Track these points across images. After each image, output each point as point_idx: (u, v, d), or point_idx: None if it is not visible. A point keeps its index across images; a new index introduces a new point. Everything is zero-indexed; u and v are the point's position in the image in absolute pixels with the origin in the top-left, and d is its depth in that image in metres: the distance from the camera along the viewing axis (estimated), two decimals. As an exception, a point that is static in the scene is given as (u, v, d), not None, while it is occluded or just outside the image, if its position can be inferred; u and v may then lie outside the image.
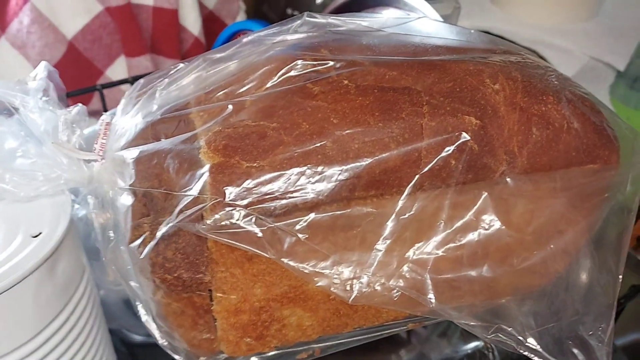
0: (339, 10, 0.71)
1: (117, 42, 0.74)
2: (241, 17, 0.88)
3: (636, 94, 0.86)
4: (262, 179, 0.31)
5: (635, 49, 0.78)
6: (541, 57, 0.76)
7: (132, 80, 0.67)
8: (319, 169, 0.32)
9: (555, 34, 0.77)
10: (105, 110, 0.66)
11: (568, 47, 0.76)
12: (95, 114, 0.75)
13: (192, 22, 0.78)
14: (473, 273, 0.34)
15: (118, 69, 0.76)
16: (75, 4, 0.70)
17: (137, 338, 0.56)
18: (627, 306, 0.53)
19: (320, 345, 0.39)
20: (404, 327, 0.40)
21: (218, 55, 0.39)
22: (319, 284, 0.33)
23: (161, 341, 0.37)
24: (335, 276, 0.33)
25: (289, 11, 0.87)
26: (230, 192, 0.31)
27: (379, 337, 0.39)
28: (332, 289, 0.33)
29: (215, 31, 0.80)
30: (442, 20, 0.62)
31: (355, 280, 0.33)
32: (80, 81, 0.73)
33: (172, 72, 0.40)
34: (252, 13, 0.92)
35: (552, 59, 0.75)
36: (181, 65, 0.40)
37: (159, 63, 0.78)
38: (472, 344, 0.51)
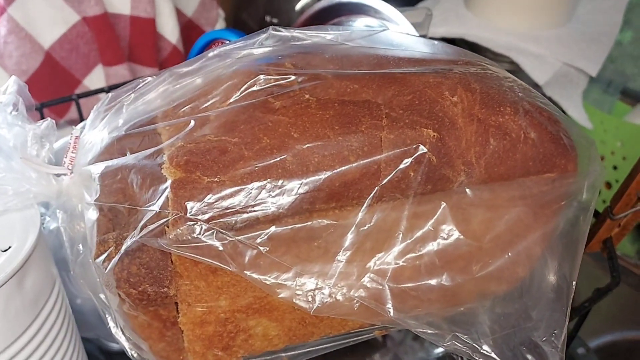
0: (315, 18, 0.72)
1: (95, 52, 0.74)
2: (220, 24, 0.89)
3: (610, 98, 0.87)
4: (223, 193, 0.32)
5: (608, 54, 0.79)
6: (515, 63, 0.77)
7: (108, 90, 0.67)
8: (279, 182, 0.33)
9: (529, 40, 0.78)
10: (82, 120, 0.66)
11: (541, 52, 0.77)
12: (72, 123, 0.76)
13: (169, 30, 0.78)
14: (432, 282, 0.35)
15: (96, 78, 0.76)
16: (51, 14, 0.70)
17: (115, 346, 0.56)
18: (600, 308, 0.54)
19: (288, 354, 0.40)
20: (370, 335, 0.40)
21: (184, 70, 0.40)
22: (281, 295, 0.33)
23: (130, 352, 0.38)
24: (298, 287, 0.34)
25: (268, 19, 0.87)
26: (192, 207, 0.32)
27: (345, 345, 0.40)
28: (294, 300, 0.33)
29: (194, 39, 0.80)
30: (413, 27, 0.63)
31: (317, 291, 0.34)
32: (58, 91, 0.73)
33: (139, 86, 0.40)
34: (232, 21, 0.93)
35: (525, 65, 0.76)
36: (149, 79, 0.40)
37: (136, 72, 0.78)
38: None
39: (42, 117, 0.64)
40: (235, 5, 0.93)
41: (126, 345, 0.38)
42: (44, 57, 0.71)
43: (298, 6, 0.87)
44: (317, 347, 0.39)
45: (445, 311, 0.36)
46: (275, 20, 0.88)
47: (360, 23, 0.67)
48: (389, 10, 0.64)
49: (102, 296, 0.37)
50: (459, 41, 0.82)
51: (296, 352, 0.39)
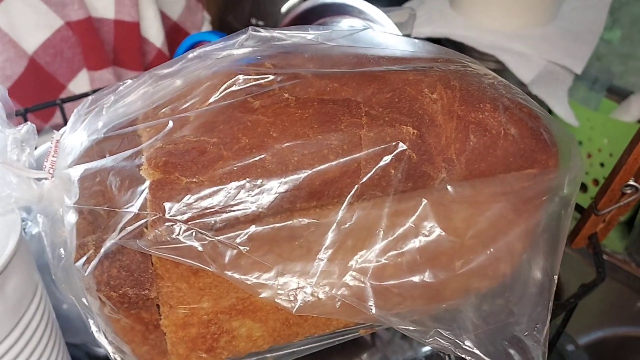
0: (299, 19, 0.72)
1: (79, 56, 0.74)
2: (206, 27, 0.89)
3: (596, 95, 0.88)
4: (202, 193, 0.32)
5: (594, 52, 0.79)
6: (500, 62, 0.77)
7: (92, 94, 0.67)
8: (259, 182, 0.32)
9: (514, 38, 0.78)
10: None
11: (526, 51, 0.77)
12: (57, 128, 0.75)
13: (154, 34, 0.78)
14: (415, 279, 0.35)
15: (81, 83, 0.76)
16: (35, 19, 0.70)
17: (102, 352, 0.56)
18: (590, 305, 0.54)
19: (273, 354, 0.39)
20: (356, 334, 0.40)
21: (165, 71, 0.40)
22: (263, 295, 0.33)
23: (113, 356, 0.38)
24: (279, 287, 0.33)
25: (254, 21, 0.87)
26: (170, 207, 0.32)
27: (330, 345, 0.40)
28: (276, 299, 0.33)
29: (180, 42, 0.80)
30: (397, 28, 0.63)
31: (299, 290, 0.34)
32: (42, 96, 0.73)
33: (119, 88, 0.40)
34: (217, 24, 0.93)
35: (511, 64, 0.76)
36: (129, 81, 0.40)
37: (122, 76, 0.78)
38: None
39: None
40: (221, 8, 0.93)
41: (109, 349, 0.37)
42: (28, 62, 0.71)
43: (284, 8, 0.87)
44: (302, 347, 0.39)
45: (430, 308, 0.36)
46: (261, 23, 0.88)
47: (344, 24, 0.68)
48: (373, 10, 0.64)
49: (84, 300, 0.37)
50: (445, 41, 0.83)
51: (281, 352, 0.39)
